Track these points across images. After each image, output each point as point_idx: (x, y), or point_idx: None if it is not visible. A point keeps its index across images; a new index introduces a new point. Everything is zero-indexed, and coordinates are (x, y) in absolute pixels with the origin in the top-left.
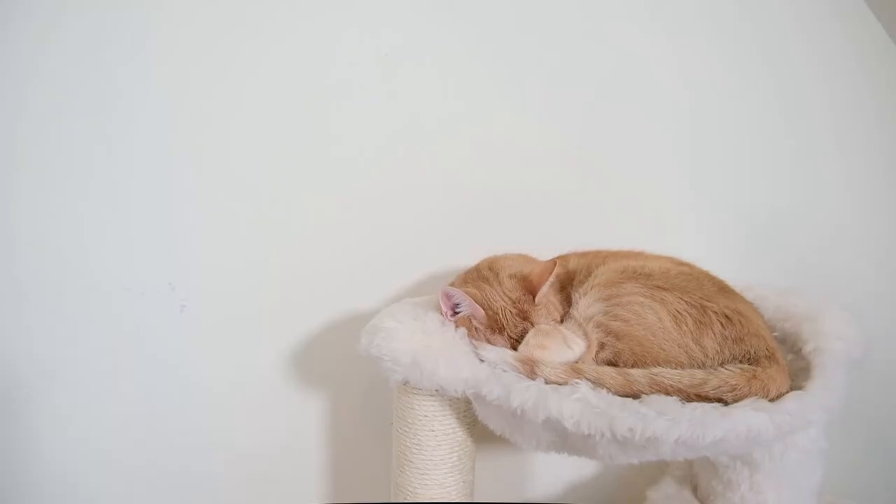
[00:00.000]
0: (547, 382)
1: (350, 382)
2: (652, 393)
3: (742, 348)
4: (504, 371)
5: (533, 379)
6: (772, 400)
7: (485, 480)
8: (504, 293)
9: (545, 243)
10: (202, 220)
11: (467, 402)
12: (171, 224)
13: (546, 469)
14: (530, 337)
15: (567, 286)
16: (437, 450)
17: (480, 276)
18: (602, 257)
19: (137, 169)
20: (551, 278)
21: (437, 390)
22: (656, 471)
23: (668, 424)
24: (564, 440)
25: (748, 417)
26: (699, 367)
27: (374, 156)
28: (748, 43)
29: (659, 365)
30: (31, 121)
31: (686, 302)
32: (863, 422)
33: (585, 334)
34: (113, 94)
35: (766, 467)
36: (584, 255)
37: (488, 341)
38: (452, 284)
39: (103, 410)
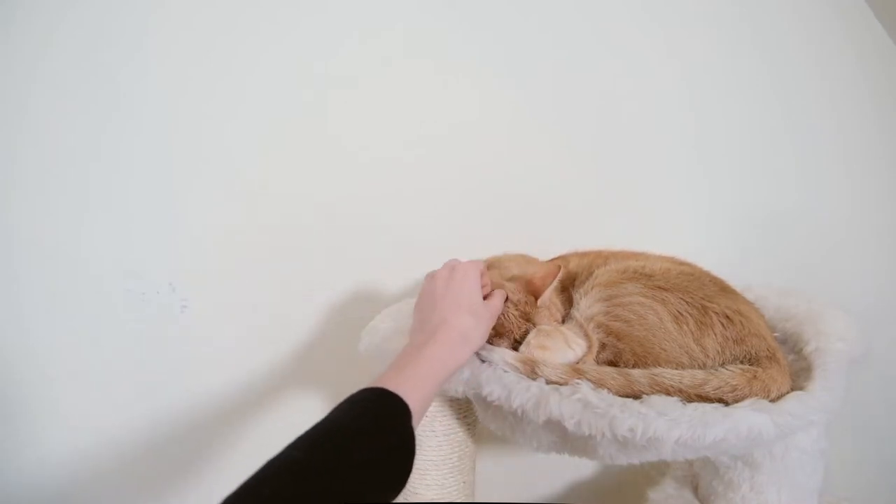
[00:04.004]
0: (548, 383)
1: (350, 383)
2: (653, 393)
3: (743, 349)
4: (505, 371)
5: (534, 379)
6: (773, 400)
7: (485, 480)
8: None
9: (546, 243)
10: (203, 221)
11: (468, 402)
12: (171, 224)
13: (546, 469)
14: (531, 337)
15: (568, 286)
16: (437, 450)
17: None
18: (603, 257)
19: (137, 169)
20: (555, 282)
21: None
22: (656, 471)
23: (669, 424)
24: (565, 441)
25: (749, 418)
26: (700, 368)
27: (375, 157)
28: (748, 43)
29: (660, 365)
30: (31, 121)
31: (687, 302)
32: (863, 422)
33: (586, 335)
34: (113, 94)
35: (767, 468)
36: (585, 255)
37: (489, 342)
38: None
39: (103, 411)
